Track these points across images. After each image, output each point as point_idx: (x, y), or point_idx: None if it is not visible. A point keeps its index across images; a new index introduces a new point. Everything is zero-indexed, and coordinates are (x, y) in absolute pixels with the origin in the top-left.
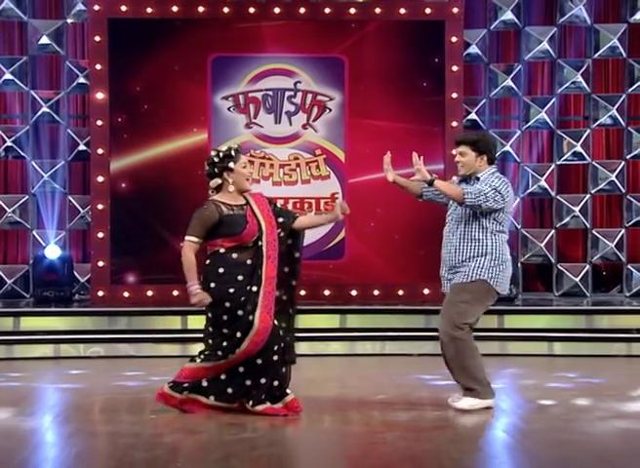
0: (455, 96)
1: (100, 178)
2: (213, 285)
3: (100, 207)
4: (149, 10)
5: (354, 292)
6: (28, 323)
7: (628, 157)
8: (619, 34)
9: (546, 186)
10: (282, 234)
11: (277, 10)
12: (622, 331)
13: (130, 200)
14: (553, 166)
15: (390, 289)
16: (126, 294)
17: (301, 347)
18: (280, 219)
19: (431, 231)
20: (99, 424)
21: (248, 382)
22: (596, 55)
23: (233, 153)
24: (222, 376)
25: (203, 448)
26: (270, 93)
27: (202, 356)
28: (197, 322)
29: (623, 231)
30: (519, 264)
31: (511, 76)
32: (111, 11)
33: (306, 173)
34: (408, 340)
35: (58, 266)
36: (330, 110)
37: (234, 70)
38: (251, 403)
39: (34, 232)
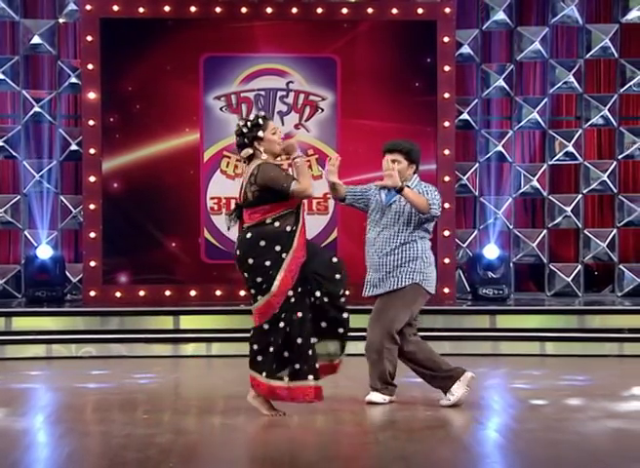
0: (447, 96)
1: (92, 178)
2: (251, 261)
3: (91, 207)
4: (141, 10)
5: (347, 292)
6: (20, 323)
7: (620, 157)
8: (610, 34)
9: (538, 186)
10: None
11: (269, 10)
12: (614, 331)
13: (122, 200)
14: (545, 166)
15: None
16: (118, 294)
17: None
18: None
19: None
20: (90, 424)
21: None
22: (588, 55)
23: (261, 121)
24: (271, 349)
25: (195, 448)
26: (262, 93)
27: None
28: (189, 322)
29: (615, 231)
30: (511, 264)
31: (503, 76)
32: (103, 10)
33: None
34: None
35: (49, 266)
36: (322, 110)
37: (226, 70)
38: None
39: (26, 232)
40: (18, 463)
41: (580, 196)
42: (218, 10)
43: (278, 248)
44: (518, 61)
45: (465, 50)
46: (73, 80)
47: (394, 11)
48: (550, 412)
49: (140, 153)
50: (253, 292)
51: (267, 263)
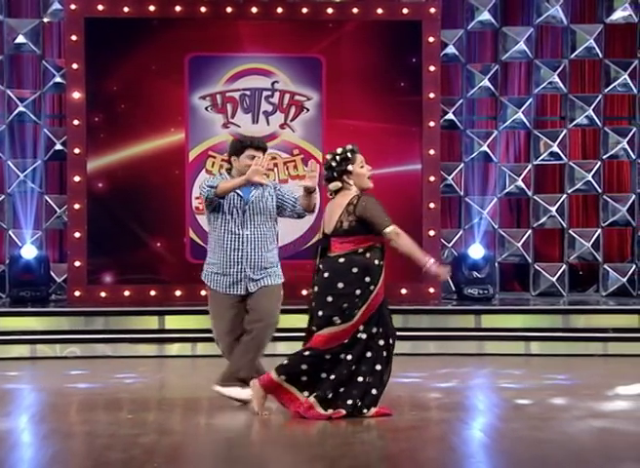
0: (432, 96)
1: (77, 178)
2: (341, 285)
3: (76, 206)
4: (126, 9)
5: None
6: (4, 323)
7: (605, 157)
8: (595, 35)
9: (523, 186)
10: None
11: (254, 9)
12: (599, 331)
13: (107, 200)
14: (530, 166)
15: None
16: (103, 294)
17: (279, 347)
18: None
19: (408, 231)
20: (75, 425)
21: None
22: (573, 55)
23: (349, 155)
24: (323, 375)
25: (180, 448)
26: (248, 92)
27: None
28: (174, 322)
29: (600, 231)
30: (496, 264)
31: (488, 76)
32: (88, 10)
33: (284, 172)
34: None
35: (34, 266)
36: (307, 110)
37: (211, 70)
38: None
39: (10, 232)
40: (1, 463)
41: (565, 196)
42: (203, 9)
43: (367, 279)
44: (503, 62)
45: (450, 50)
46: (58, 79)
47: (379, 11)
48: (535, 412)
49: (125, 153)
50: (328, 315)
51: (357, 292)
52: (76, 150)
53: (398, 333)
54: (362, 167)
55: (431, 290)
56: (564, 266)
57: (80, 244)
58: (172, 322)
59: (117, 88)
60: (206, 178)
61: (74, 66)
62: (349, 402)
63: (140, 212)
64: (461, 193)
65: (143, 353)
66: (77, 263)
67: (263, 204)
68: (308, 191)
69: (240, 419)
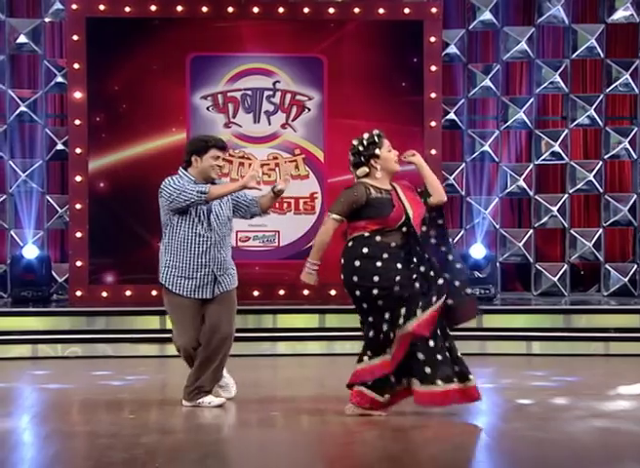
0: (433, 95)
1: (79, 178)
2: (358, 263)
3: (78, 206)
4: (127, 9)
5: (333, 292)
6: (6, 323)
7: (606, 157)
8: (596, 34)
9: (525, 186)
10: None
11: (256, 9)
12: (600, 331)
13: (108, 199)
14: (531, 166)
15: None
16: (104, 294)
17: (280, 347)
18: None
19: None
20: (76, 424)
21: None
22: (574, 55)
23: (376, 139)
24: (431, 343)
25: (181, 448)
26: (249, 92)
27: (365, 354)
28: None
29: (601, 231)
30: (497, 264)
31: (490, 76)
32: (89, 10)
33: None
34: None
35: (35, 266)
36: (309, 110)
37: (213, 70)
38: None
39: (12, 232)
40: (3, 463)
41: (567, 196)
42: (204, 9)
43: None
44: (504, 61)
45: (452, 50)
46: (59, 79)
47: (381, 11)
48: (536, 412)
49: (127, 153)
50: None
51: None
52: (77, 150)
53: None
54: (389, 151)
55: None
56: (565, 266)
57: (81, 244)
58: None
59: (118, 88)
60: (171, 181)
61: (76, 66)
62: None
63: (141, 211)
64: (463, 193)
65: (145, 353)
66: (78, 263)
67: (225, 206)
68: (279, 194)
69: (241, 419)
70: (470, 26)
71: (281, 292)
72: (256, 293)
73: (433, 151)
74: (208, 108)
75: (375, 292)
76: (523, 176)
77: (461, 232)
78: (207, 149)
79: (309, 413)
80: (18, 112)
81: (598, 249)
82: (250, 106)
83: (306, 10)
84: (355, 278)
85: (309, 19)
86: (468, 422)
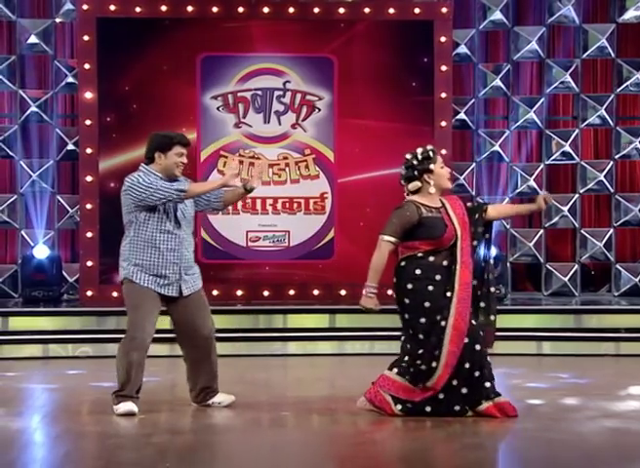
0: (444, 95)
1: (89, 178)
2: (410, 286)
3: (88, 206)
4: (138, 9)
5: (343, 292)
6: (17, 323)
7: (617, 157)
8: (607, 34)
9: (535, 186)
10: (479, 230)
11: (266, 9)
12: (611, 331)
13: (119, 199)
14: (542, 166)
15: (379, 288)
16: (115, 294)
17: (291, 347)
18: (475, 216)
19: None
20: (87, 424)
21: (463, 390)
22: (585, 55)
23: (431, 154)
24: (440, 396)
25: (191, 448)
26: (259, 92)
27: (401, 368)
28: None
29: (612, 231)
30: (508, 264)
31: (500, 76)
32: (100, 10)
33: (296, 172)
34: (397, 340)
35: (46, 266)
36: (319, 110)
37: (223, 70)
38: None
39: (23, 232)
40: (14, 463)
41: (577, 196)
42: (214, 9)
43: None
44: (515, 61)
45: (462, 49)
46: (70, 80)
47: (391, 10)
48: (547, 412)
49: (137, 153)
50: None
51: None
52: (88, 150)
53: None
54: (442, 167)
55: None
56: (576, 266)
57: (92, 244)
58: None
59: (129, 88)
60: (139, 178)
61: (86, 66)
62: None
63: None
64: (473, 193)
65: (155, 353)
66: (89, 263)
67: (189, 203)
68: (249, 192)
69: (252, 419)
70: (481, 26)
71: (291, 292)
72: (266, 293)
73: (443, 151)
74: (218, 108)
75: (422, 320)
76: (533, 176)
77: None
78: (171, 146)
79: (320, 413)
80: (28, 112)
81: (609, 249)
82: (260, 106)
83: (317, 10)
84: (407, 300)
85: (319, 19)
86: (478, 422)
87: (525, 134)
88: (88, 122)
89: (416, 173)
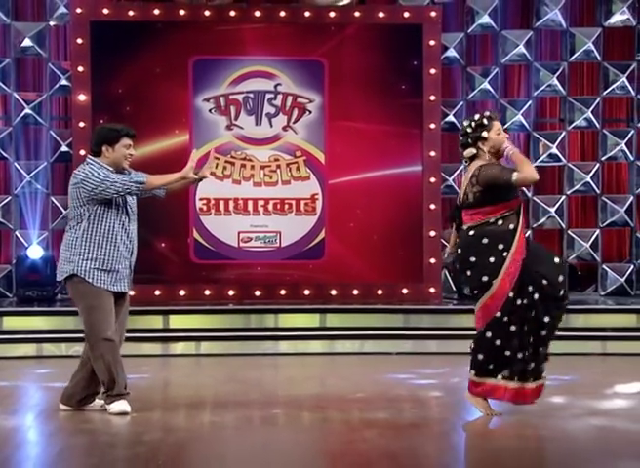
0: (433, 98)
1: None
2: (473, 259)
3: None
4: (131, 13)
5: (334, 292)
6: (11, 322)
7: (603, 159)
8: (593, 38)
9: (523, 187)
10: None
11: (258, 13)
12: (597, 330)
13: None
14: None
15: (369, 288)
16: None
17: (282, 346)
18: None
19: (410, 232)
20: (80, 423)
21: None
22: (571, 58)
23: (486, 121)
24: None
25: (184, 446)
26: (251, 95)
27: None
28: (178, 321)
29: (598, 231)
30: None
31: (488, 79)
32: (93, 14)
33: (287, 174)
34: (387, 339)
35: (40, 266)
36: (310, 112)
37: (215, 72)
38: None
39: (17, 233)
40: (8, 461)
41: (564, 197)
42: (207, 13)
43: (501, 246)
44: (503, 64)
45: (451, 53)
46: (64, 82)
47: (381, 14)
48: (534, 410)
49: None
50: (475, 292)
51: (492, 260)
52: (82, 152)
53: (400, 333)
54: (499, 133)
55: (432, 289)
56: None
57: None
58: (176, 321)
59: (122, 90)
60: (92, 171)
61: (80, 69)
62: (528, 366)
63: (144, 212)
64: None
65: (148, 352)
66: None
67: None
68: (199, 181)
69: (244, 418)
70: (469, 30)
71: (282, 292)
72: (257, 293)
73: (432, 153)
74: (210, 111)
75: (484, 278)
76: None
77: None
78: (118, 138)
79: (311, 412)
80: (22, 114)
81: (595, 249)
82: (252, 109)
83: (307, 13)
84: (469, 272)
85: (310, 23)
86: (467, 420)
87: (512, 136)
88: (81, 124)
89: (470, 140)
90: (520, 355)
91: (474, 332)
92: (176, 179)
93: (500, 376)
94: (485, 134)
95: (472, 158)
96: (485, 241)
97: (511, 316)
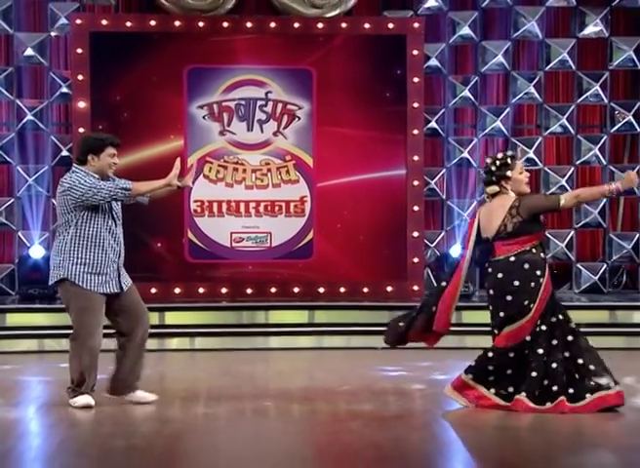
0: (416, 105)
1: None
2: (517, 283)
3: None
4: (128, 24)
5: (322, 290)
6: (14, 319)
7: (577, 163)
8: (568, 48)
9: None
10: None
11: (249, 24)
12: None
13: None
14: None
15: (356, 286)
16: None
17: (272, 341)
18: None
19: (394, 233)
20: (80, 414)
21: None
22: (547, 67)
23: (509, 161)
24: (509, 371)
25: (179, 437)
26: (243, 102)
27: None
28: (173, 318)
29: (573, 232)
30: (475, 263)
31: (469, 87)
32: (92, 25)
33: (277, 177)
34: (372, 335)
35: (42, 265)
36: (299, 119)
37: (209, 81)
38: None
39: (19, 233)
40: (11, 451)
41: None
42: (201, 24)
43: (538, 272)
44: (482, 73)
45: (433, 62)
46: (64, 90)
47: (366, 26)
48: None
49: (128, 159)
50: (510, 314)
51: (532, 285)
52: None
53: (383, 329)
54: (521, 173)
55: (415, 287)
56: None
57: None
58: (171, 317)
59: (120, 98)
60: (79, 179)
61: (79, 77)
62: (553, 388)
63: (141, 214)
64: (443, 197)
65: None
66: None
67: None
68: (182, 189)
69: (236, 409)
70: (450, 40)
71: (273, 290)
72: (249, 291)
73: (416, 157)
74: (204, 117)
75: (525, 302)
76: None
77: (442, 233)
78: (103, 148)
79: (300, 404)
80: (25, 121)
81: (570, 249)
82: (243, 115)
83: (297, 25)
84: (509, 297)
85: (299, 34)
86: (449, 411)
87: (492, 141)
88: (81, 130)
89: (494, 178)
90: (535, 374)
91: (457, 328)
92: (160, 186)
93: (492, 390)
94: (509, 173)
95: (494, 195)
96: (526, 266)
97: (538, 339)
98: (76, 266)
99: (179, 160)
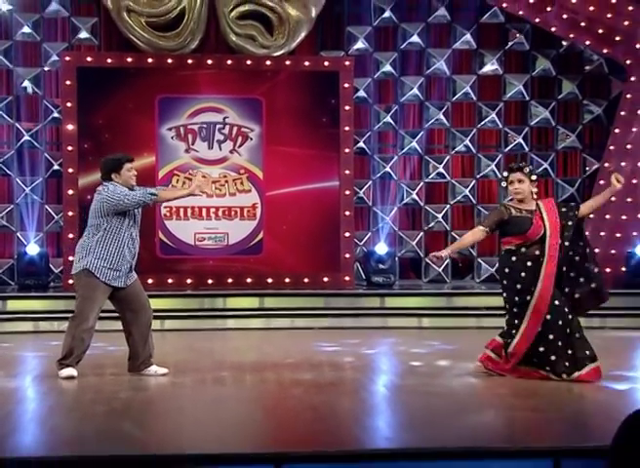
0: (347, 128)
1: (71, 192)
2: (507, 270)
3: (70, 214)
4: (109, 60)
5: (270, 280)
6: (13, 305)
7: (478, 176)
8: (470, 83)
9: (417, 198)
10: (570, 232)
11: (210, 61)
12: (474, 309)
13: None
14: (422, 183)
15: (298, 277)
16: None
17: (228, 323)
18: (568, 220)
19: (329, 233)
20: (67, 384)
21: (552, 357)
22: (454, 98)
23: (506, 174)
24: (534, 360)
25: (151, 402)
26: (205, 125)
27: (502, 332)
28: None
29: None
30: (396, 258)
31: (390, 114)
32: (79, 61)
33: (233, 187)
34: (311, 317)
35: (37, 260)
36: (251, 139)
37: (176, 108)
38: (564, 375)
39: (18, 234)
40: (11, 413)
41: (449, 206)
42: (169, 61)
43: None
44: (401, 103)
45: (361, 93)
46: (55, 115)
47: (306, 63)
48: (425, 371)
49: None
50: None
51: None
52: (70, 170)
53: (322, 312)
54: (511, 183)
55: (347, 278)
56: (448, 260)
57: (73, 243)
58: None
59: (102, 121)
60: (115, 190)
61: (68, 104)
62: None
63: None
64: (370, 204)
65: (122, 328)
66: (70, 258)
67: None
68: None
69: (198, 379)
70: (375, 76)
71: (229, 281)
72: (210, 281)
73: (347, 171)
74: (172, 138)
75: (515, 298)
76: (415, 191)
77: (369, 234)
78: (121, 166)
79: (251, 374)
80: (23, 140)
81: (472, 246)
82: (205, 136)
83: (249, 62)
84: (505, 281)
85: (251, 69)
86: (374, 380)
87: (409, 158)
88: (70, 148)
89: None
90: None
91: (381, 311)
92: (183, 195)
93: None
94: (504, 184)
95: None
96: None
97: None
98: (98, 260)
99: (200, 174)
